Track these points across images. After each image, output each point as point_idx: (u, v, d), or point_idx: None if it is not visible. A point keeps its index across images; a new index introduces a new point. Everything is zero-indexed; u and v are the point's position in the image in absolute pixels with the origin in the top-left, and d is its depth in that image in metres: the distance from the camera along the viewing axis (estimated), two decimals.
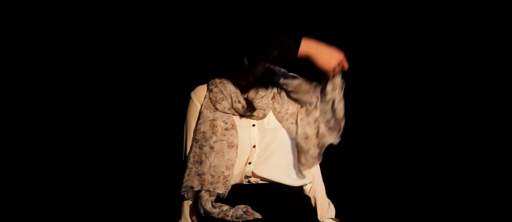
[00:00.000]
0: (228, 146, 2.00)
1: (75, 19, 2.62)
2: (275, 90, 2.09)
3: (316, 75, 1.99)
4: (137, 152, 2.68)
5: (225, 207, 1.94)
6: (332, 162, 2.19)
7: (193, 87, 2.17)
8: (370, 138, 2.66)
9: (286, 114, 2.07)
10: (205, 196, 1.97)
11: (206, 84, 2.14)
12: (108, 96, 2.66)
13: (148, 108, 2.67)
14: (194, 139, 2.06)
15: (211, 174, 1.98)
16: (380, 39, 2.64)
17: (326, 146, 2.05)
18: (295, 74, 2.11)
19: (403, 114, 2.67)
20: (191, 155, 2.03)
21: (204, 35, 2.50)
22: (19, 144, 2.63)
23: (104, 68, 2.66)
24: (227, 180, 1.99)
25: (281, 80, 2.09)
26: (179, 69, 2.62)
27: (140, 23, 2.64)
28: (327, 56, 1.90)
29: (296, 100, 2.09)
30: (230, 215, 1.91)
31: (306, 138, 2.04)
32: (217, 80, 2.10)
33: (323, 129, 2.05)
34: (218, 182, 1.98)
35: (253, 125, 2.06)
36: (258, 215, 1.92)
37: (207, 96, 2.10)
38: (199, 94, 2.13)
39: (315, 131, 2.05)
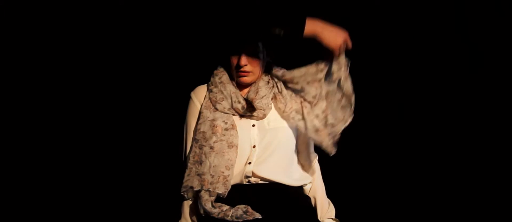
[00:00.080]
0: (228, 146, 2.00)
1: (75, 19, 2.62)
2: (275, 90, 2.09)
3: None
4: (137, 152, 2.68)
5: (225, 207, 1.95)
6: (332, 162, 2.19)
7: (193, 87, 2.17)
8: (370, 138, 2.65)
9: (291, 112, 2.07)
10: (205, 196, 1.97)
11: (206, 84, 2.14)
12: (108, 97, 2.66)
13: (148, 108, 2.67)
14: (194, 139, 2.06)
15: (211, 174, 1.98)
16: (380, 39, 2.64)
17: (338, 133, 2.05)
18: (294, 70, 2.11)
19: (403, 114, 2.67)
20: (191, 155, 2.04)
21: (206, 18, 2.50)
22: (19, 144, 2.64)
23: (104, 68, 2.66)
24: (227, 180, 1.99)
25: (281, 73, 2.09)
26: (179, 69, 2.62)
27: (140, 23, 2.64)
28: (334, 35, 1.95)
29: (297, 92, 2.08)
30: (230, 215, 1.91)
31: (316, 130, 2.04)
32: (217, 81, 2.10)
33: (331, 119, 2.05)
34: (218, 182, 1.98)
35: (253, 125, 2.06)
36: (258, 215, 1.92)
37: (207, 96, 2.10)
38: (199, 94, 2.13)
39: (323, 122, 2.05)
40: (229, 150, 2.00)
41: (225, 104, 2.06)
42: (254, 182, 2.04)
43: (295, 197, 2.08)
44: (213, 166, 1.99)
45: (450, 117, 2.64)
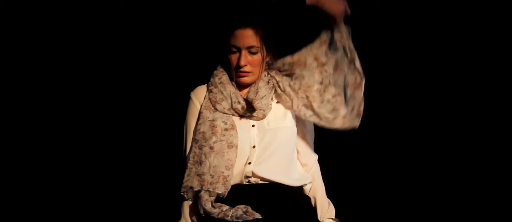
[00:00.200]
0: (227, 146, 2.00)
1: (74, 19, 2.62)
2: (278, 90, 2.09)
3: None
4: (137, 152, 2.68)
5: (225, 207, 1.95)
6: (332, 162, 2.19)
7: (193, 87, 2.17)
8: (370, 138, 2.65)
9: (301, 109, 2.06)
10: (205, 196, 1.97)
11: (206, 85, 2.14)
12: (108, 97, 2.66)
13: (148, 108, 2.67)
14: (194, 139, 2.06)
15: (210, 174, 1.98)
16: (380, 39, 2.63)
17: (361, 103, 2.07)
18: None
19: (403, 114, 2.67)
20: (191, 155, 2.04)
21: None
22: (19, 144, 2.64)
23: (104, 68, 2.66)
24: (226, 180, 1.99)
25: (281, 63, 2.08)
26: (179, 69, 2.62)
27: (140, 23, 2.64)
28: (335, 1, 2.00)
29: (298, 78, 2.07)
30: (230, 215, 1.91)
31: (334, 118, 2.05)
32: (217, 81, 2.10)
33: (343, 107, 2.05)
34: (217, 182, 1.98)
35: (253, 125, 2.06)
36: (258, 215, 1.92)
37: (207, 96, 2.10)
38: (199, 95, 2.13)
39: (337, 103, 2.05)
40: (229, 150, 2.00)
41: (225, 105, 2.06)
42: (254, 182, 2.04)
43: (295, 197, 2.08)
44: (213, 166, 1.99)
45: (450, 117, 2.64)
